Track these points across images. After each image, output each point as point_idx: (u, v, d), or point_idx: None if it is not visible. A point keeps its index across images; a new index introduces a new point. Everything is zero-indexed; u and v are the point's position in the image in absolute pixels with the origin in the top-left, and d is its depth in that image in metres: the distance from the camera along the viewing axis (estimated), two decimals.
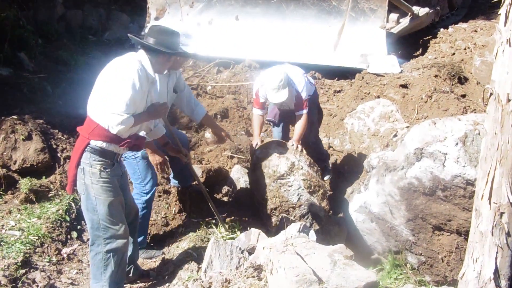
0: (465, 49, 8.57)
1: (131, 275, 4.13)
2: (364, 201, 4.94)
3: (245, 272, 3.58)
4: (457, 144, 4.11)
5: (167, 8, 9.56)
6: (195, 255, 4.35)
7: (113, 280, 3.74)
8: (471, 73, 7.78)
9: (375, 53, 8.29)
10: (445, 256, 4.53)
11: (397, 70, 8.18)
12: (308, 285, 2.91)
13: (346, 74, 8.54)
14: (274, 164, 4.88)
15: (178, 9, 9.44)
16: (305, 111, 5.15)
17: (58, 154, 5.49)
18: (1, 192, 5.01)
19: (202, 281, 3.67)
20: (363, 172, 5.46)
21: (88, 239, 4.73)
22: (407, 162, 4.44)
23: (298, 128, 5.18)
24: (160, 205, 5.12)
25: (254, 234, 4.24)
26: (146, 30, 4.06)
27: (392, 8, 8.69)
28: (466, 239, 3.72)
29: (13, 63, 8.10)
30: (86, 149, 3.56)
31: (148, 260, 4.56)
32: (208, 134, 6.44)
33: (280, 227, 4.70)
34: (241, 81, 8.12)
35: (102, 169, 3.58)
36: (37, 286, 3.98)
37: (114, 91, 3.45)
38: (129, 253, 4.02)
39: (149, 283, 4.26)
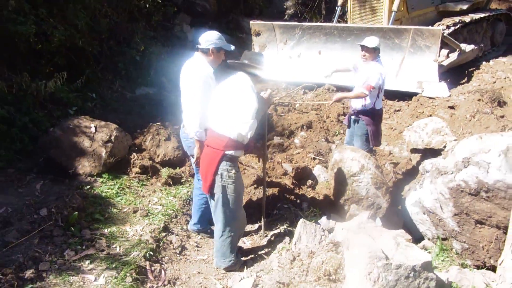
0: (504, 78, 8.07)
1: None
2: (419, 197, 4.76)
3: (326, 246, 3.55)
4: (499, 155, 3.87)
5: (267, 45, 9.71)
6: (287, 231, 4.36)
7: (235, 254, 3.84)
8: (510, 98, 7.30)
9: (428, 81, 7.95)
10: (485, 245, 4.25)
11: (446, 94, 7.79)
12: (377, 260, 2.85)
13: (404, 96, 8.25)
14: (348, 165, 4.82)
15: (275, 46, 9.56)
16: (363, 91, 5.07)
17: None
18: (148, 177, 5.26)
19: (293, 251, 3.69)
20: (418, 175, 5.26)
21: None
22: (456, 168, 4.23)
23: (351, 92, 5.28)
24: (260, 192, 5.16)
25: (333, 218, 4.23)
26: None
27: (443, 44, 8.29)
28: (505, 233, 3.53)
29: (157, 85, 8.59)
30: (223, 159, 3.53)
31: (253, 232, 4.59)
32: (297, 140, 6.47)
33: (351, 214, 4.65)
34: (322, 100, 8.08)
35: (235, 171, 3.58)
36: (173, 245, 4.14)
37: (241, 106, 3.43)
38: None
39: (253, 247, 4.28)
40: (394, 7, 8.74)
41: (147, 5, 9.42)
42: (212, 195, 3.66)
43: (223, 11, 11.52)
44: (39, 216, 3.92)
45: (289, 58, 9.30)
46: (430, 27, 8.20)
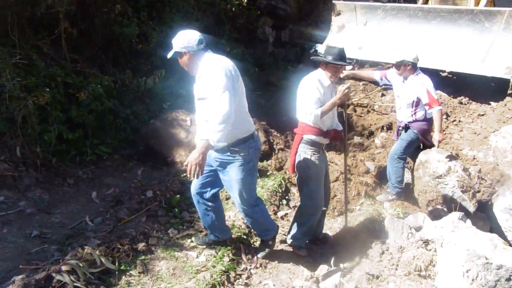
0: None
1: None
2: (509, 204, 4.52)
3: (416, 243, 3.52)
4: None
5: (345, 25, 9.40)
6: (370, 227, 4.33)
7: (303, 233, 3.91)
8: None
9: None
10: None
11: None
12: (477, 258, 2.77)
13: (489, 100, 7.77)
14: (434, 166, 4.69)
15: (354, 26, 9.21)
16: (437, 108, 4.69)
17: (274, 146, 5.83)
18: None
19: (381, 246, 3.69)
20: (509, 181, 4.98)
21: (293, 206, 4.99)
22: None
23: (435, 122, 4.75)
24: (344, 188, 5.15)
25: (420, 217, 4.15)
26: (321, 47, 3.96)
27: None
28: None
29: None
30: (301, 142, 3.75)
31: (336, 226, 4.64)
32: (377, 140, 6.37)
33: (435, 215, 4.53)
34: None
35: (312, 154, 3.72)
36: None
37: (305, 98, 3.64)
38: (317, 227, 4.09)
39: (338, 240, 4.28)
40: (481, 7, 8.25)
41: (233, 9, 9.74)
42: (295, 174, 3.88)
43: (302, 15, 11.58)
44: (145, 197, 4.25)
45: (367, 39, 8.92)
46: None
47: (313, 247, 4.14)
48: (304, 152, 3.75)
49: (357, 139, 6.49)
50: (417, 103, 4.84)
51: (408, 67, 4.82)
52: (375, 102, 7.95)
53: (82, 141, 5.26)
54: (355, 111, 7.50)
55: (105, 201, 4.39)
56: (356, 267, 3.52)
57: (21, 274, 2.87)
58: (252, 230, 4.16)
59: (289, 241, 4.02)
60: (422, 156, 4.87)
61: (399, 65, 4.85)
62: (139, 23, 7.16)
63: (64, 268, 2.89)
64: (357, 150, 6.15)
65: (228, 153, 3.21)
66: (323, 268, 3.70)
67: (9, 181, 4.24)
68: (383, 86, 7.22)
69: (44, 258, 3.23)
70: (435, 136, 4.81)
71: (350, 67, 10.29)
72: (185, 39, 3.13)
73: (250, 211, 3.45)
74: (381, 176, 5.41)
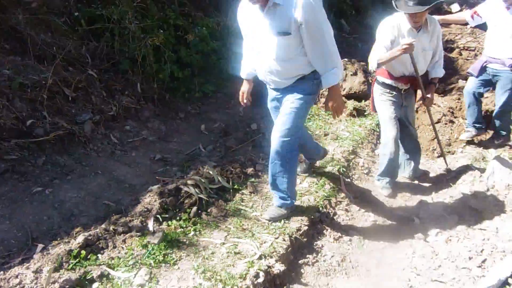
0: None
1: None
2: None
3: None
4: None
5: None
6: (474, 168, 4.24)
7: (382, 171, 3.96)
8: None
9: None
10: None
11: None
12: None
13: None
14: None
15: None
16: None
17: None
18: None
19: (487, 183, 3.65)
20: None
21: None
22: None
23: None
24: (446, 130, 5.08)
25: None
26: None
27: None
28: None
29: (336, 27, 8.71)
30: (375, 82, 3.88)
31: (435, 166, 4.61)
32: None
33: None
34: None
35: (380, 94, 3.83)
36: (361, 167, 4.44)
37: (375, 41, 3.60)
38: (411, 166, 4.15)
39: (438, 178, 4.31)
40: None
41: None
42: None
43: None
44: (250, 129, 4.62)
45: None
46: None
47: (412, 184, 4.21)
48: (375, 91, 3.90)
49: (462, 82, 6.17)
50: None
51: None
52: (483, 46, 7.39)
53: (190, 80, 5.71)
54: (460, 54, 7.09)
55: (213, 133, 4.83)
56: (459, 201, 3.55)
57: (155, 185, 3.39)
58: (351, 164, 4.34)
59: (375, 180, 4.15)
60: None
61: None
62: None
63: (189, 182, 3.34)
64: (462, 94, 5.88)
65: (291, 87, 3.02)
66: (422, 202, 3.79)
67: (133, 112, 4.82)
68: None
69: (169, 176, 3.74)
70: None
71: (457, 6, 9.54)
72: None
73: (286, 144, 3.08)
74: (487, 121, 5.17)
